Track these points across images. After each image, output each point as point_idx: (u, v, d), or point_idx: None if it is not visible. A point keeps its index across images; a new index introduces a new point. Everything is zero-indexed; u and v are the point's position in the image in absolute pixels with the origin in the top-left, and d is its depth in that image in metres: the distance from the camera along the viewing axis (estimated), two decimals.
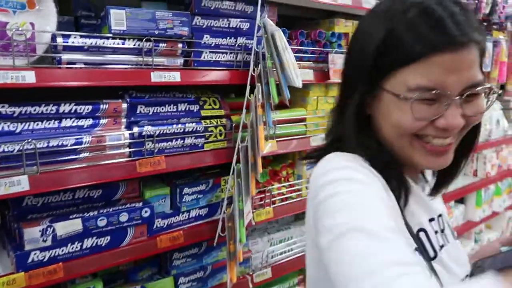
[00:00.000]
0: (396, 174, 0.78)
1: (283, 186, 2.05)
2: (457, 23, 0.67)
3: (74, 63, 1.35)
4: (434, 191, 0.89)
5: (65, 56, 1.33)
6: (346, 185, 0.69)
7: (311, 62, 1.98)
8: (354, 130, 0.79)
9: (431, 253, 0.79)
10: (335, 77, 2.01)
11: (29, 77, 1.21)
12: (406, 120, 0.72)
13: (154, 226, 1.60)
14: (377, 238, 0.59)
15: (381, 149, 0.79)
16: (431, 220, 0.84)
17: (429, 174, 0.97)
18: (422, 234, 0.79)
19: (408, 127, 0.73)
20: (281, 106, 1.87)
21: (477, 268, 0.79)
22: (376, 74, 0.74)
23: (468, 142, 0.82)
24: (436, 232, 0.84)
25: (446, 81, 0.68)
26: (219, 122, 1.71)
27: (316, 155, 0.85)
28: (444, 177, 0.89)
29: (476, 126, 0.80)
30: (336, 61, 2.02)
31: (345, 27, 2.13)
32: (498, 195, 3.62)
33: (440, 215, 0.88)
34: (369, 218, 0.62)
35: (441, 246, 0.83)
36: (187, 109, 1.65)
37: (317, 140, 2.06)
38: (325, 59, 2.00)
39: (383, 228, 0.61)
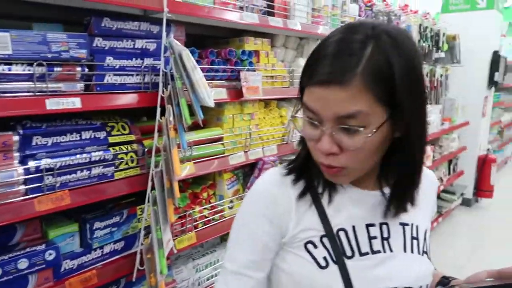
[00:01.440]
0: (323, 178, 0.87)
1: (205, 208, 1.92)
2: (332, 64, 0.73)
3: None
4: (391, 206, 0.88)
5: None
6: (239, 232, 0.90)
7: (223, 81, 1.89)
8: (298, 142, 0.92)
9: (348, 252, 0.83)
10: (249, 94, 1.94)
11: None
12: (304, 134, 0.82)
13: (62, 269, 1.40)
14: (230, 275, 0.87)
15: (306, 159, 0.89)
16: (370, 225, 0.86)
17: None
18: (342, 233, 0.84)
19: (307, 142, 0.83)
20: (197, 126, 1.76)
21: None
22: (301, 92, 0.83)
23: (405, 168, 0.85)
24: (373, 237, 0.85)
25: (318, 108, 0.75)
26: (129, 148, 1.55)
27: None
28: (396, 197, 0.88)
29: (408, 153, 0.82)
30: (249, 78, 1.95)
31: (255, 44, 2.08)
32: None
33: (385, 223, 0.88)
34: (233, 258, 0.88)
35: (374, 251, 0.84)
36: (92, 136, 1.48)
37: (236, 158, 1.97)
38: (237, 77, 1.93)
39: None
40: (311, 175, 0.88)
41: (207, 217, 1.92)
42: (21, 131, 1.31)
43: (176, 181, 1.57)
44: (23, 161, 1.30)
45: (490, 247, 4.18)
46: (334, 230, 0.84)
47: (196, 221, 1.86)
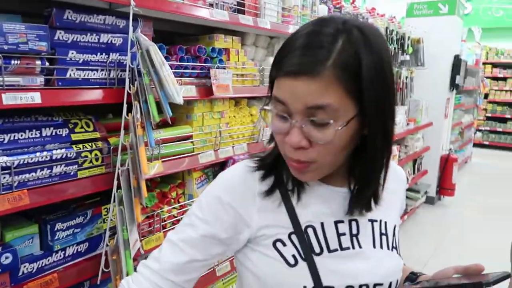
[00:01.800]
0: (292, 176, 0.84)
1: (174, 208, 1.86)
2: (302, 55, 0.71)
3: None
4: (354, 204, 0.85)
5: None
6: (194, 210, 0.87)
7: (193, 78, 1.83)
8: (269, 139, 0.88)
9: (317, 249, 0.81)
10: (219, 92, 1.89)
11: None
12: (273, 128, 0.79)
13: (20, 273, 1.30)
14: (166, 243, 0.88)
15: (278, 156, 0.85)
16: (339, 222, 0.84)
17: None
18: (310, 230, 0.82)
19: (275, 135, 0.80)
20: (165, 124, 1.69)
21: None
22: (270, 87, 0.80)
23: (365, 167, 0.82)
24: (342, 234, 0.84)
25: (288, 100, 0.73)
26: (94, 146, 1.47)
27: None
28: (358, 195, 0.85)
29: (370, 155, 0.79)
30: (219, 76, 1.90)
31: (225, 42, 2.03)
32: None
33: (353, 220, 0.86)
34: (178, 231, 0.87)
35: (343, 248, 0.83)
36: (53, 133, 1.39)
37: (206, 157, 1.92)
38: (207, 74, 1.87)
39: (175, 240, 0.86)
40: (281, 172, 0.86)
41: (176, 217, 1.85)
42: None
43: (143, 180, 1.50)
44: None
45: (451, 243, 4.29)
46: (303, 227, 0.82)
47: (165, 221, 1.80)
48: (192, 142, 1.88)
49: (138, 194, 1.52)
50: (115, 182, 1.50)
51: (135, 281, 0.85)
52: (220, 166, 2.14)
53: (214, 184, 0.88)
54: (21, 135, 1.31)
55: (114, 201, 1.51)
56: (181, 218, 1.86)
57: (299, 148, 0.74)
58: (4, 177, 1.23)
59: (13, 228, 1.35)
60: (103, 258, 1.51)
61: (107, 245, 1.53)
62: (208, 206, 0.85)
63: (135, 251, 1.54)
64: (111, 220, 1.54)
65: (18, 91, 1.24)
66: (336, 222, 0.84)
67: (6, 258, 1.25)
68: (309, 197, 0.85)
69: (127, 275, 1.49)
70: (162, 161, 1.70)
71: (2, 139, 1.26)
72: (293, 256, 0.80)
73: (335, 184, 0.87)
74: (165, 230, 1.78)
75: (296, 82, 0.71)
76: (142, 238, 1.66)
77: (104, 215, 1.57)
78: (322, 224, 0.83)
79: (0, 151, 1.25)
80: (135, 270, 1.47)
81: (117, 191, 1.51)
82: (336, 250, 0.82)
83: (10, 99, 1.21)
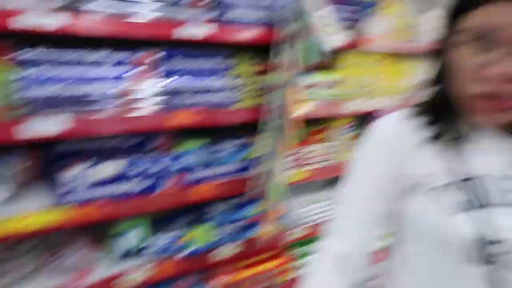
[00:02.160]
0: (452, 126, 0.81)
1: (316, 149, 1.95)
2: None
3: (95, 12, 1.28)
4: None
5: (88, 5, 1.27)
6: (355, 169, 0.90)
7: (345, 26, 1.86)
8: (432, 80, 0.83)
9: (480, 201, 0.76)
10: (371, 43, 1.89)
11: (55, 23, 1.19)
12: (463, 65, 0.73)
13: (189, 177, 1.56)
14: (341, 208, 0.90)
15: (444, 103, 0.81)
16: (507, 177, 0.78)
17: None
18: (473, 181, 0.77)
19: (465, 72, 0.73)
20: (316, 68, 1.78)
21: None
22: (451, 23, 0.76)
23: None
24: (509, 190, 0.77)
25: (499, 26, 0.68)
26: (252, 81, 1.64)
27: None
28: None
29: None
30: (372, 27, 1.91)
31: None
32: None
33: None
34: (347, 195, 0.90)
35: (509, 204, 0.76)
36: (220, 65, 1.59)
37: (354, 105, 1.95)
38: (359, 24, 1.89)
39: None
40: (443, 119, 0.81)
41: (318, 157, 1.94)
42: (165, 50, 1.46)
43: (291, 118, 1.62)
44: (162, 78, 1.46)
45: None
46: (465, 177, 0.77)
47: (308, 159, 1.90)
48: (340, 89, 1.92)
49: (285, 130, 1.65)
50: (268, 116, 1.66)
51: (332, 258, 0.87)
52: (366, 117, 2.14)
53: (370, 137, 0.89)
54: (195, 63, 1.53)
55: (266, 132, 1.67)
56: (323, 161, 1.95)
57: (507, 81, 0.69)
58: (182, 97, 1.48)
59: (183, 142, 1.61)
60: (254, 180, 1.69)
61: (258, 171, 1.70)
62: (367, 160, 0.87)
63: (281, 180, 1.68)
64: (262, 149, 1.70)
65: (191, 25, 1.43)
66: (503, 177, 0.78)
67: (179, 163, 1.52)
68: (475, 148, 0.80)
69: (273, 199, 1.65)
70: (310, 104, 1.79)
71: (182, 65, 1.50)
72: (454, 205, 0.76)
73: (508, 135, 0.80)
74: (308, 168, 1.88)
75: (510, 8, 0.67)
76: (288, 171, 1.79)
77: (257, 143, 1.74)
78: (487, 177, 0.78)
79: (179, 74, 1.49)
80: (281, 196, 1.59)
81: (269, 124, 1.66)
82: (501, 205, 0.76)
83: (185, 32, 1.42)
